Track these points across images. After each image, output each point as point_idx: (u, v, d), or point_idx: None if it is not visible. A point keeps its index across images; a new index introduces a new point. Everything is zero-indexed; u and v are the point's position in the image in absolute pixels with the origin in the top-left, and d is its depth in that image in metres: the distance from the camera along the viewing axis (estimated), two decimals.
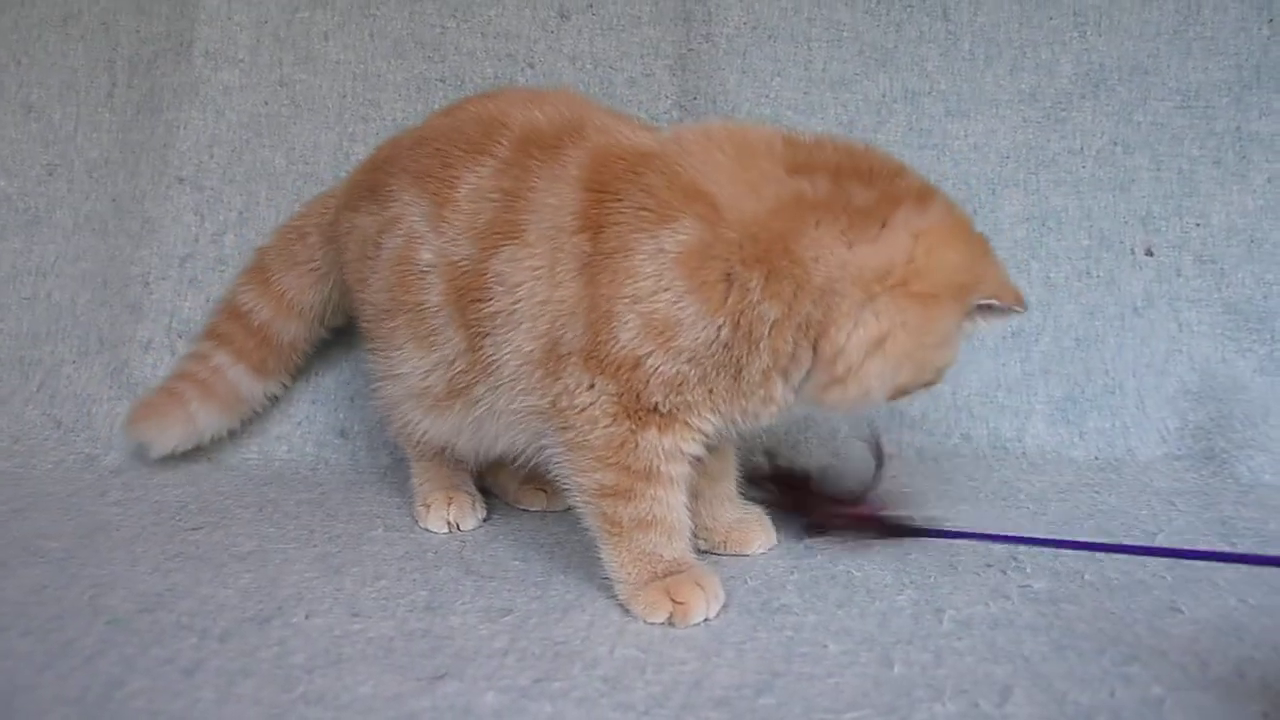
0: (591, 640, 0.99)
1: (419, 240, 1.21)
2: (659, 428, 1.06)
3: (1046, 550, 1.23)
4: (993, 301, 1.07)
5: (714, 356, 1.04)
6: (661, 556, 1.07)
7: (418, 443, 1.34)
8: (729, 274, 1.02)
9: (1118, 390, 1.67)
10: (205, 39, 1.78)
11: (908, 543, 1.24)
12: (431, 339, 1.21)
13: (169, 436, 1.52)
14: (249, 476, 1.56)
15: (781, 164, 1.06)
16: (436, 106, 1.74)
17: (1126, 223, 1.72)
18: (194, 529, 1.31)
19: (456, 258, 1.16)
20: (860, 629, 1.02)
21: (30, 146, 1.85)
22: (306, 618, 1.04)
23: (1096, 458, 1.62)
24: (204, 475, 1.56)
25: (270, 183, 1.77)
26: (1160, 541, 1.27)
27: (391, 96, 1.77)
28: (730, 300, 1.02)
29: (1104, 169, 1.72)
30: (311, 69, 1.78)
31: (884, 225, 1.03)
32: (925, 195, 1.07)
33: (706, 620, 1.03)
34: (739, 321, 1.02)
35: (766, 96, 1.73)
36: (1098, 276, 1.71)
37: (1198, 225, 1.72)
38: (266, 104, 1.78)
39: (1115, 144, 1.72)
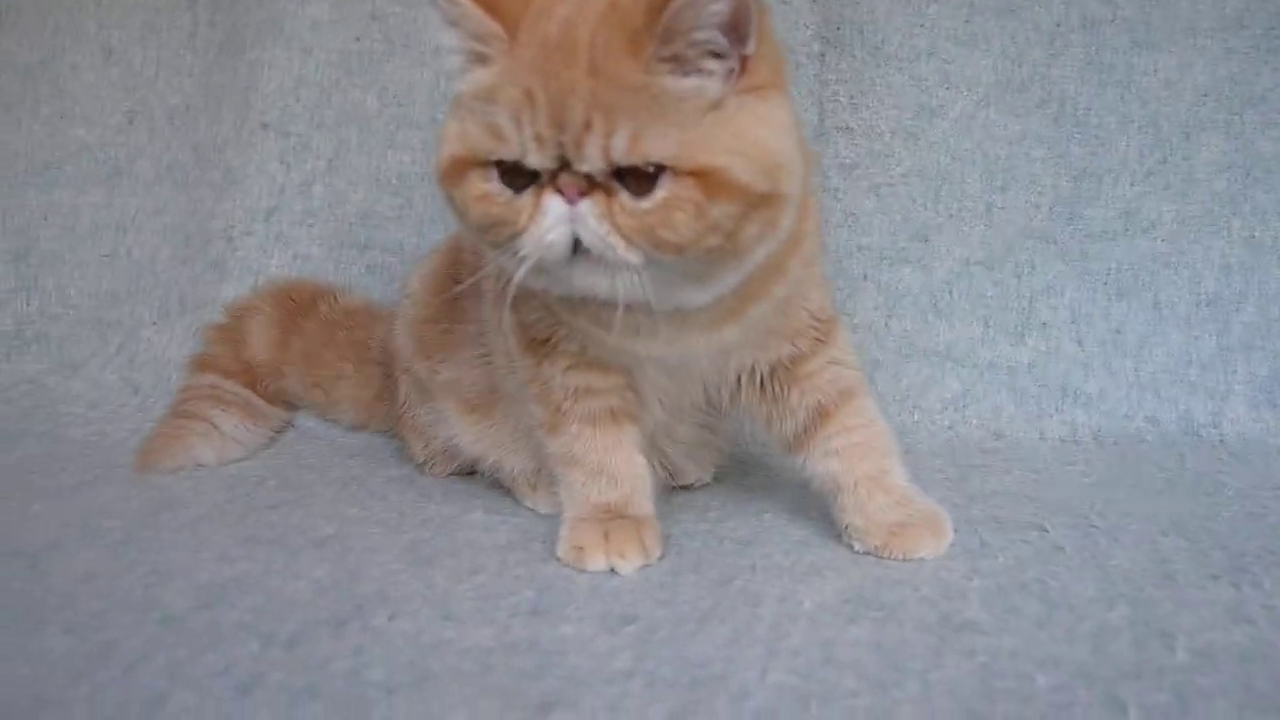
0: (736, 662, 0.80)
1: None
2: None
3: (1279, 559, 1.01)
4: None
5: None
6: (589, 498, 1.05)
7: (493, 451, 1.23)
8: None
9: None
10: None
11: (1105, 546, 1.03)
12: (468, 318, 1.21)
13: (194, 456, 1.36)
14: (336, 447, 1.45)
15: None
16: None
17: None
18: (270, 508, 1.17)
19: None
20: (1071, 657, 0.81)
21: (110, 92, 1.78)
22: (389, 620, 0.88)
23: None
24: (287, 445, 1.46)
25: (361, 126, 1.68)
26: None
27: None
28: None
29: None
30: (405, 0, 1.68)
31: None
32: None
33: (613, 571, 0.99)
34: None
35: (922, 26, 1.55)
36: None
37: None
38: (357, 40, 1.69)
39: None
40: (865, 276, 1.55)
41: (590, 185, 0.83)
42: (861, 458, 1.05)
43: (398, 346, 1.30)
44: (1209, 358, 1.50)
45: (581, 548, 1.00)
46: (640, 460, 1.07)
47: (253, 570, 0.99)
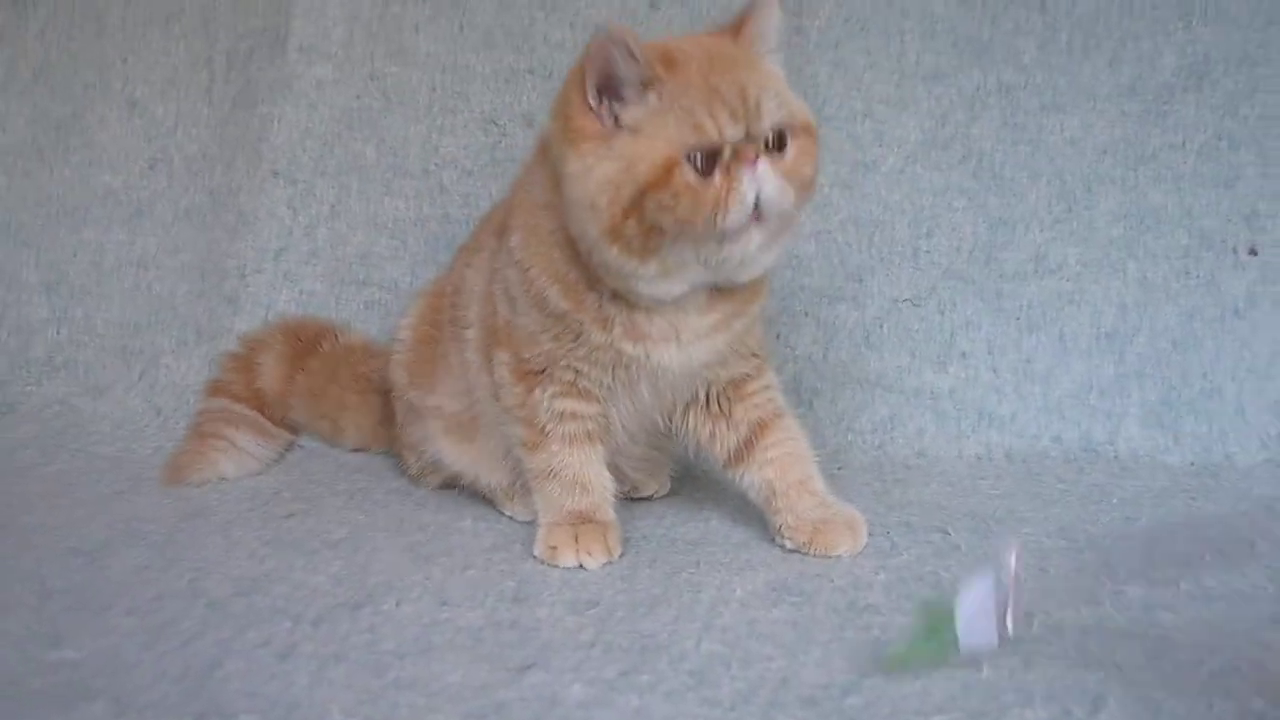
0: (678, 634, 0.99)
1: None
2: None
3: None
4: None
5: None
6: (563, 506, 1.21)
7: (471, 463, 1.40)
8: None
9: (1216, 395, 1.61)
10: (300, 33, 1.81)
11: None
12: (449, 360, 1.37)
13: (218, 470, 1.51)
14: (340, 463, 1.58)
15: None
16: (525, 99, 1.78)
17: (1229, 220, 1.65)
18: (287, 515, 1.33)
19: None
20: None
21: (134, 141, 1.91)
22: (397, 605, 1.06)
23: (1193, 463, 1.56)
24: (296, 462, 1.59)
25: (361, 175, 1.80)
26: (1261, 550, 1.22)
27: (480, 89, 1.79)
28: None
29: (1207, 164, 1.66)
30: (402, 62, 1.80)
31: None
32: None
33: (581, 567, 1.16)
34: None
35: (858, 90, 1.71)
36: (1198, 276, 1.65)
37: None
38: (358, 97, 1.81)
39: (1219, 139, 1.65)
40: (806, 313, 1.68)
41: (758, 151, 1.05)
42: (792, 465, 1.24)
43: (393, 379, 1.46)
44: (1107, 384, 1.63)
45: (555, 547, 1.18)
46: (607, 474, 1.25)
47: (279, 566, 1.16)
